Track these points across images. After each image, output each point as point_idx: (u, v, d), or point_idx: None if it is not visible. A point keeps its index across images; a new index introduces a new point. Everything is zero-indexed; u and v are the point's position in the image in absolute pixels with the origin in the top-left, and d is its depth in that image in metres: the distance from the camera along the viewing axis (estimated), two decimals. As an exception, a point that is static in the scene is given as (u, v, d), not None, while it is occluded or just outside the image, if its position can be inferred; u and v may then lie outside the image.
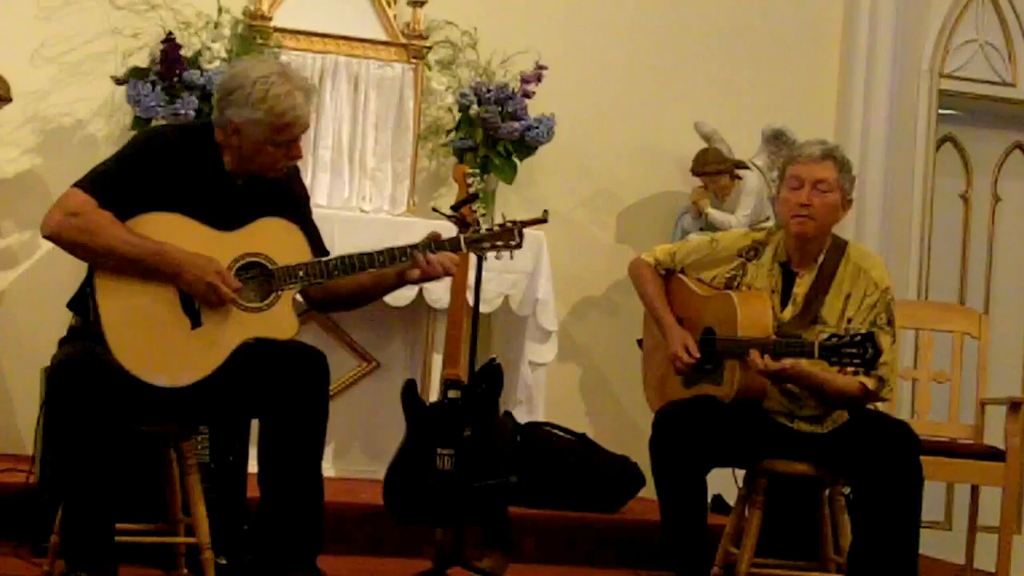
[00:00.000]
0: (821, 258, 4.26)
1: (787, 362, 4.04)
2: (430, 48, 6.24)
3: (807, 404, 4.21)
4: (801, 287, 4.25)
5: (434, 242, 3.92)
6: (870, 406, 4.35)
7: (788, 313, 4.22)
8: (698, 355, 4.26)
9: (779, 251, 4.31)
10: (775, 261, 4.30)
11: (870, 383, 4.12)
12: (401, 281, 3.97)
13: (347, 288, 3.99)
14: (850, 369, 4.01)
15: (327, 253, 3.96)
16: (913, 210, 6.97)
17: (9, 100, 5.72)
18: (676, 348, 4.30)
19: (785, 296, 4.26)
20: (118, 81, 5.86)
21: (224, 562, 4.18)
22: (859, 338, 3.93)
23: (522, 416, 5.77)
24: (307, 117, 3.87)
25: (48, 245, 3.84)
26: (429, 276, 3.92)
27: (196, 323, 3.75)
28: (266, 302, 3.79)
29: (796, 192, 4.22)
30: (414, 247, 3.89)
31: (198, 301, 3.74)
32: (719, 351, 4.21)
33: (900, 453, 4.06)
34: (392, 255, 3.88)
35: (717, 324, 4.25)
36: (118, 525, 3.76)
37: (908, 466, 4.05)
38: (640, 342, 4.62)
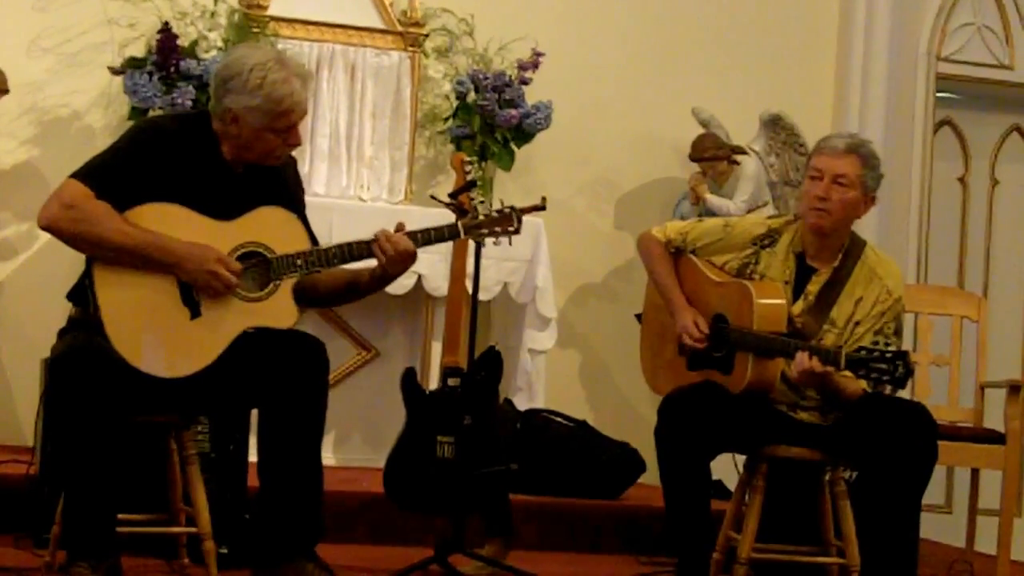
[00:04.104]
0: (839, 257, 4.21)
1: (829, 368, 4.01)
2: (427, 36, 6.23)
3: (809, 396, 4.20)
4: (816, 284, 4.21)
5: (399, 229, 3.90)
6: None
7: (799, 307, 4.19)
8: (706, 330, 4.23)
9: (795, 241, 4.26)
10: (791, 250, 4.26)
11: (870, 389, 4.12)
12: (376, 280, 3.94)
13: (325, 286, 3.97)
14: (884, 382, 3.98)
15: (317, 245, 3.94)
16: (911, 194, 6.97)
17: (6, 91, 5.71)
18: (686, 322, 4.25)
19: (798, 289, 4.24)
20: (115, 71, 5.86)
21: (225, 551, 4.18)
22: (891, 355, 3.87)
23: (522, 403, 5.77)
24: (305, 103, 3.87)
25: (46, 236, 3.84)
26: (387, 262, 3.84)
27: (195, 313, 3.74)
28: (265, 291, 3.79)
29: (815, 183, 4.17)
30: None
31: (200, 291, 3.73)
32: (732, 340, 4.18)
33: (918, 434, 4.07)
34: (390, 242, 3.88)
35: (730, 312, 4.20)
36: (119, 515, 3.76)
37: (925, 448, 4.06)
38: (639, 317, 4.58)
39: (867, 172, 4.18)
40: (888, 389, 4.01)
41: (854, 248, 4.25)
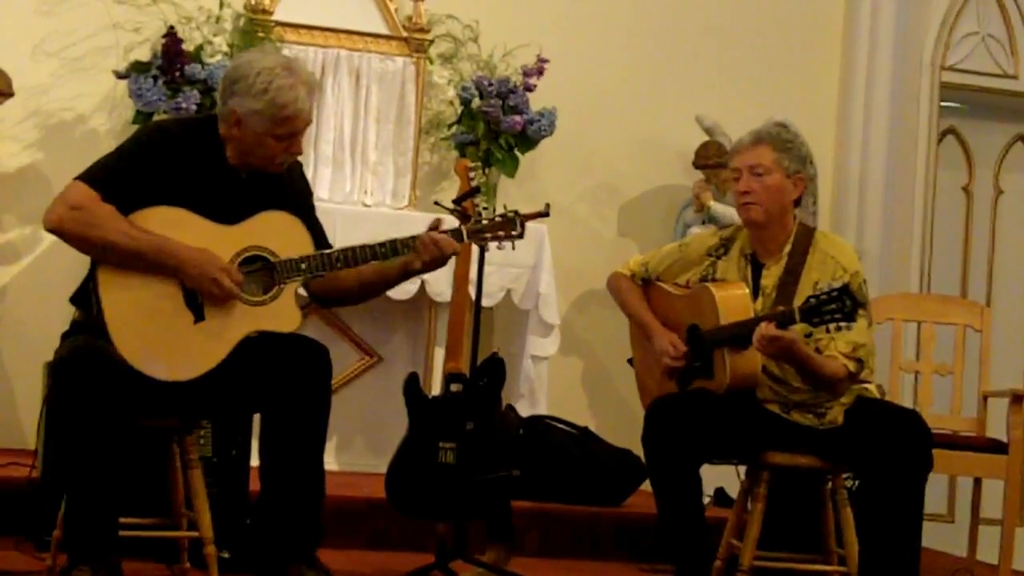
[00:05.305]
0: (788, 247, 4.26)
1: (792, 331, 4.02)
2: (431, 42, 6.24)
3: (796, 388, 4.20)
4: (769, 278, 4.26)
5: (435, 228, 3.93)
6: (878, 396, 4.36)
7: (759, 304, 4.23)
8: (684, 348, 4.27)
9: (745, 244, 4.33)
10: (742, 254, 4.32)
11: (851, 365, 4.13)
12: (404, 274, 3.97)
13: (350, 282, 4.00)
14: (833, 326, 3.99)
15: (330, 247, 3.96)
16: (915, 203, 6.97)
17: (11, 95, 5.71)
18: (663, 346, 4.31)
19: (756, 288, 4.27)
20: (119, 75, 5.86)
21: (227, 556, 4.18)
22: (836, 293, 3.93)
23: (524, 410, 5.77)
24: (309, 112, 3.87)
25: (50, 239, 3.85)
26: (430, 262, 3.90)
27: (199, 317, 3.75)
28: (269, 295, 3.79)
29: (737, 182, 4.28)
30: (415, 238, 3.89)
31: (201, 296, 3.74)
32: (708, 344, 4.21)
33: (913, 441, 4.07)
34: (394, 247, 3.89)
35: (699, 319, 4.25)
36: (121, 519, 3.75)
37: (920, 455, 4.06)
38: (631, 361, 4.61)
39: (781, 155, 4.26)
40: (844, 327, 4.00)
41: (803, 236, 4.29)
